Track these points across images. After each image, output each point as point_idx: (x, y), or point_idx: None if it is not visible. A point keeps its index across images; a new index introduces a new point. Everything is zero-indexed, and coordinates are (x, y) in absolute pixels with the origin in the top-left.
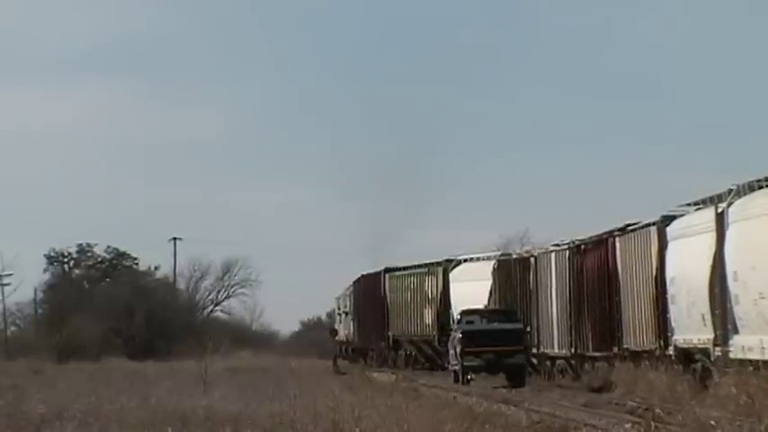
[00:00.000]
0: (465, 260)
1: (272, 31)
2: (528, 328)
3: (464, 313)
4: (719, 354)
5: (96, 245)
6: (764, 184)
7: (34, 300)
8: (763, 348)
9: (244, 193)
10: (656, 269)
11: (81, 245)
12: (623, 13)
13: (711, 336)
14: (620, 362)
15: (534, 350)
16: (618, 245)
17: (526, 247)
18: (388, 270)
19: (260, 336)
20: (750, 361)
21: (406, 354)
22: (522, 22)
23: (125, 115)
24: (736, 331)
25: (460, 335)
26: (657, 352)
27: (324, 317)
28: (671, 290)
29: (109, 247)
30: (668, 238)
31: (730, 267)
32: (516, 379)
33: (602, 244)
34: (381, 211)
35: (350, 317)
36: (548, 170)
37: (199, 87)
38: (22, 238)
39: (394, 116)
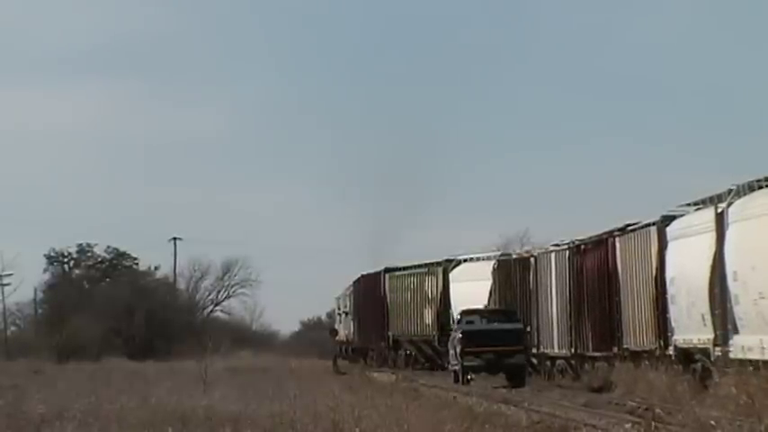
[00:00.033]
0: (465, 260)
1: (272, 31)
2: (528, 328)
3: (464, 313)
4: (719, 354)
5: (96, 245)
6: (764, 184)
7: (34, 300)
8: (763, 348)
9: (244, 193)
10: (656, 269)
11: (81, 245)
12: (623, 13)
13: (711, 336)
14: (620, 362)
15: (534, 350)
16: (618, 245)
17: (526, 247)
18: (388, 270)
19: (260, 336)
20: (750, 361)
21: (406, 354)
22: (522, 22)
23: (125, 115)
24: (736, 331)
25: (460, 335)
26: (657, 352)
27: (324, 317)
28: (671, 290)
29: (109, 247)
30: (668, 238)
31: (730, 267)
32: (516, 379)
33: (602, 244)
34: (381, 211)
35: (350, 317)
36: (548, 170)
37: (199, 87)
38: (22, 238)
39: (394, 116)
